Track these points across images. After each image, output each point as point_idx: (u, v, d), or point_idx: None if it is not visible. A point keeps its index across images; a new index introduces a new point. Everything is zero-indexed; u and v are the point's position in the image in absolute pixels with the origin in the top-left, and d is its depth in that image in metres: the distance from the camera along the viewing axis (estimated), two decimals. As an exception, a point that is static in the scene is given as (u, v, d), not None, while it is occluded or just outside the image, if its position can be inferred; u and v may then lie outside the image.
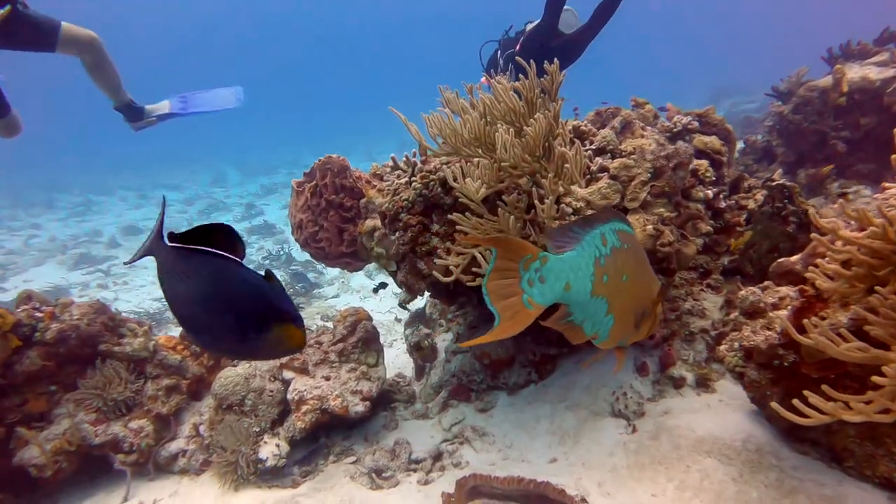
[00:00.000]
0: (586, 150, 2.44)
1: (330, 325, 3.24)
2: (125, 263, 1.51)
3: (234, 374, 2.68)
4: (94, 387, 2.65)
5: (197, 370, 2.96)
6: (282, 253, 8.71)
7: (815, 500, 1.79)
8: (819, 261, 1.29)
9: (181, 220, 12.54)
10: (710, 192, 2.47)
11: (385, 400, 3.21)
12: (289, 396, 2.69)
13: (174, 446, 2.69)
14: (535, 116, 1.74)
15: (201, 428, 2.71)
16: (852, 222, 1.58)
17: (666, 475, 2.08)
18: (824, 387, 1.27)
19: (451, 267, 2.03)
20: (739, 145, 5.77)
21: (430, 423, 2.97)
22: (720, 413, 2.30)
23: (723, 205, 2.55)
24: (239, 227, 11.37)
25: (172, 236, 1.29)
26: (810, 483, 1.86)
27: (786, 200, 2.71)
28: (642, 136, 2.44)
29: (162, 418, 2.71)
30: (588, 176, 2.35)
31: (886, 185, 1.37)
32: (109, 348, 2.73)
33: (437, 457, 2.60)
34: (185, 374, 2.90)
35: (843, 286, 1.30)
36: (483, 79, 2.73)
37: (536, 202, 1.86)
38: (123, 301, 7.32)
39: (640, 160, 2.22)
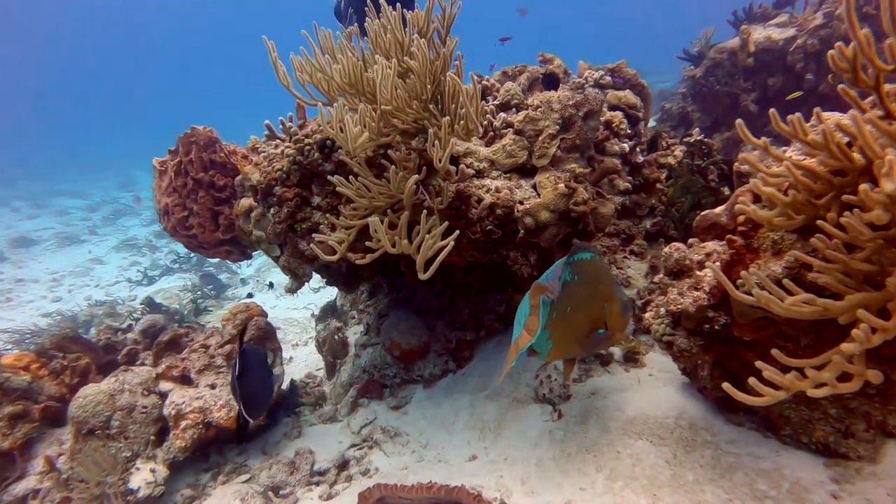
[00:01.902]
0: (489, 105, 2.16)
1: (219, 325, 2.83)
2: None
3: (96, 391, 2.24)
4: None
5: (56, 390, 2.49)
6: (192, 255, 8.08)
7: (753, 476, 1.60)
8: (754, 182, 1.05)
9: (83, 228, 11.52)
10: (625, 146, 2.24)
11: (289, 404, 2.85)
12: (165, 412, 2.28)
13: (21, 487, 2.23)
14: (419, 44, 1.42)
15: (59, 460, 2.26)
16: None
17: (595, 464, 1.84)
18: (775, 352, 1.02)
19: (333, 243, 1.69)
20: (655, 115, 5.70)
21: (338, 426, 2.63)
22: (650, 389, 2.08)
23: (640, 159, 2.34)
24: (148, 231, 10.57)
25: None
26: (747, 457, 1.67)
27: (705, 157, 2.54)
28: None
29: (3, 454, 2.23)
30: (492, 133, 2.06)
31: (820, 112, 1.14)
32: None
33: (343, 465, 2.27)
34: (38, 397, 2.42)
35: (780, 218, 1.07)
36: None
37: (431, 149, 1.54)
38: (4, 320, 6.50)
39: (548, 111, 1.95)
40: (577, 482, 1.80)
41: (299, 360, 4.10)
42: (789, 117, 0.99)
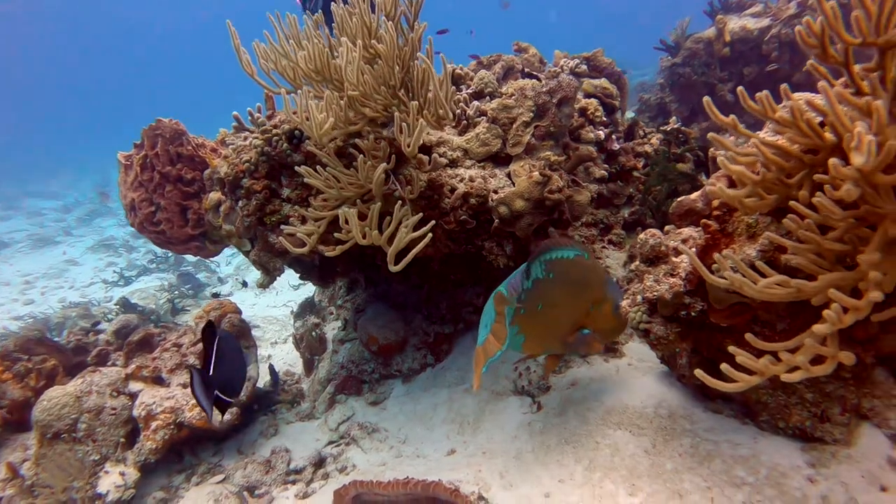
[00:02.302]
0: (462, 94, 2.12)
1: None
2: None
3: (61, 393, 2.17)
4: None
5: (20, 394, 2.41)
6: (169, 254, 7.95)
7: (731, 463, 1.59)
8: (721, 159, 1.02)
9: (57, 229, 11.29)
10: (601, 133, 2.22)
11: (266, 403, 2.80)
12: (135, 413, 2.22)
13: (-17, 494, 2.16)
14: (387, 27, 1.38)
15: (24, 466, 2.18)
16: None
17: (574, 455, 1.82)
18: (749, 337, 1.00)
19: (301, 235, 1.65)
20: (634, 106, 5.71)
21: (316, 423, 2.59)
22: (629, 378, 2.06)
23: (616, 146, 2.31)
24: (125, 231, 10.37)
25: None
26: (725, 444, 1.66)
27: (682, 145, 2.52)
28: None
29: (-36, 460, 2.16)
30: (465, 122, 2.03)
31: (787, 89, 1.12)
32: None
33: (319, 463, 2.23)
34: (0, 400, 2.34)
35: (751, 198, 1.04)
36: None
37: (399, 135, 1.49)
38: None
39: (521, 99, 1.92)
40: (556, 474, 1.78)
41: (278, 358, 4.04)
42: (758, 95, 0.97)
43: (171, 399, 2.23)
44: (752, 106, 0.98)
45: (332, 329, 3.27)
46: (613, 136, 2.33)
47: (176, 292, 5.97)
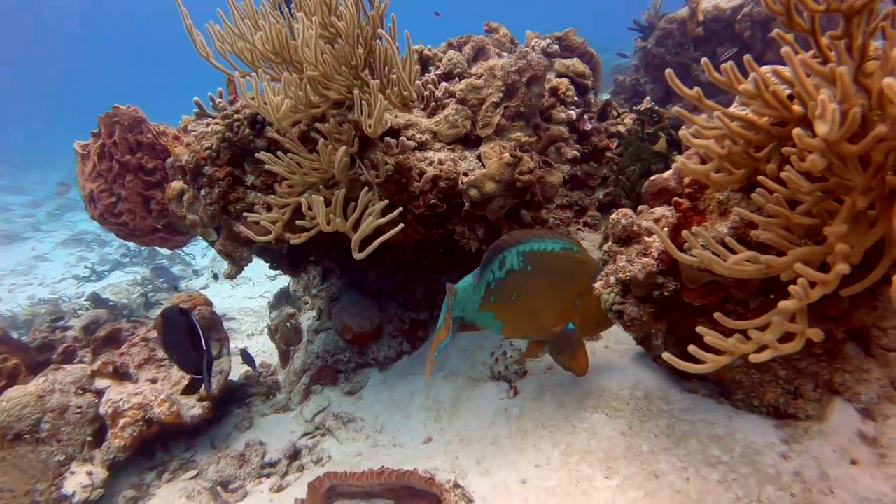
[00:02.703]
0: (431, 76, 2.07)
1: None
2: None
3: (21, 393, 2.10)
4: None
5: (-19, 394, 2.32)
6: (143, 248, 7.79)
7: (706, 442, 1.59)
8: (683, 133, 0.99)
9: (25, 225, 11.00)
10: (572, 113, 2.18)
11: (240, 396, 2.74)
12: (101, 410, 2.16)
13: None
14: (347, 3, 1.32)
15: (-14, 468, 2.11)
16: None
17: (551, 440, 1.80)
18: (717, 315, 0.98)
19: (265, 223, 1.59)
20: (608, 87, 5.69)
21: (291, 415, 2.55)
22: (606, 361, 2.05)
23: (589, 126, 2.28)
24: (97, 226, 10.13)
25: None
26: (701, 424, 1.65)
27: (656, 125, 2.50)
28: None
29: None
30: (434, 104, 1.98)
31: (751, 60, 1.08)
32: None
33: (295, 455, 2.19)
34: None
35: (719, 173, 1.02)
36: None
37: (359, 115, 1.44)
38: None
39: (490, 79, 1.87)
40: (533, 459, 1.76)
41: (254, 350, 3.96)
42: (722, 66, 0.94)
43: (140, 395, 2.17)
44: (716, 77, 0.95)
45: (307, 319, 3.22)
46: (586, 117, 2.30)
47: (150, 286, 5.85)
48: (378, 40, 1.43)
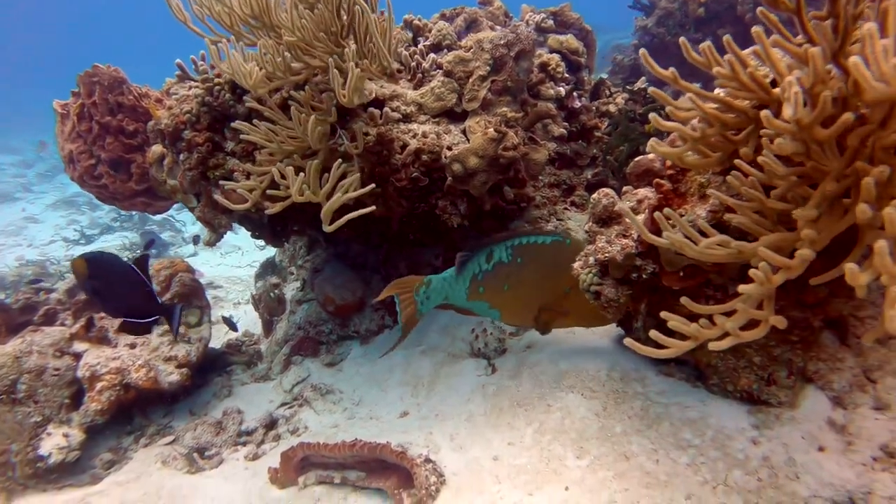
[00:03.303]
0: (419, 46, 2.02)
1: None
2: None
3: (-1, 353, 2.09)
4: None
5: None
6: (134, 213, 7.73)
7: (679, 425, 1.59)
8: (653, 116, 0.97)
9: (16, 185, 10.88)
10: (561, 90, 2.15)
11: (221, 364, 2.74)
12: (79, 374, 2.15)
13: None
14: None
15: (-39, 428, 2.11)
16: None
17: (525, 418, 1.80)
18: (684, 300, 0.97)
19: (242, 191, 1.56)
20: (607, 67, 5.61)
21: (271, 385, 2.55)
22: (585, 341, 2.05)
23: (578, 104, 2.25)
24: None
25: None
26: (675, 407, 1.66)
27: (648, 104, 2.46)
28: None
29: None
30: (420, 76, 1.94)
31: (730, 41, 1.05)
32: None
33: (271, 425, 2.20)
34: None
35: (693, 156, 1.00)
36: None
37: (333, 82, 1.40)
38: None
39: (478, 52, 1.83)
40: (507, 437, 1.77)
41: (240, 319, 3.97)
42: (701, 45, 0.91)
43: (117, 360, 2.16)
44: (694, 58, 0.93)
45: (291, 289, 3.21)
46: (575, 94, 2.26)
47: (138, 251, 5.82)
48: (357, 7, 1.38)
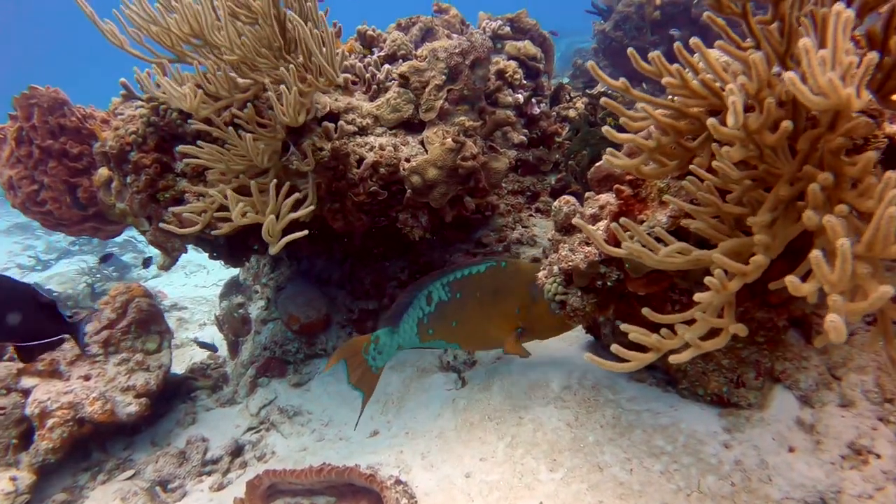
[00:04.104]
0: (374, 57, 1.98)
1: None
2: None
3: (-60, 394, 1.97)
4: None
5: None
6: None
7: (651, 433, 1.58)
8: (606, 129, 0.94)
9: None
10: (519, 97, 2.13)
11: (185, 389, 2.65)
12: (27, 411, 2.04)
13: None
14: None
15: None
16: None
17: (497, 432, 1.77)
18: (645, 310, 0.94)
19: (188, 215, 1.50)
20: (568, 71, 5.65)
21: (237, 409, 2.47)
22: (555, 350, 2.03)
23: (537, 110, 2.23)
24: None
25: None
26: (646, 414, 1.64)
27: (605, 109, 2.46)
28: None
29: None
30: (375, 87, 1.90)
31: (681, 48, 1.04)
32: None
33: (237, 451, 2.12)
34: None
35: (650, 166, 0.98)
36: None
37: (275, 102, 1.35)
38: None
39: (434, 61, 1.80)
40: (478, 452, 1.73)
41: (205, 341, 3.86)
42: (650, 55, 0.90)
43: (70, 394, 2.06)
44: (644, 67, 0.91)
45: (256, 308, 3.13)
46: (534, 100, 2.25)
47: (98, 276, 5.63)
48: (291, 22, 1.34)
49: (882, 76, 0.78)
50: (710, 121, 0.70)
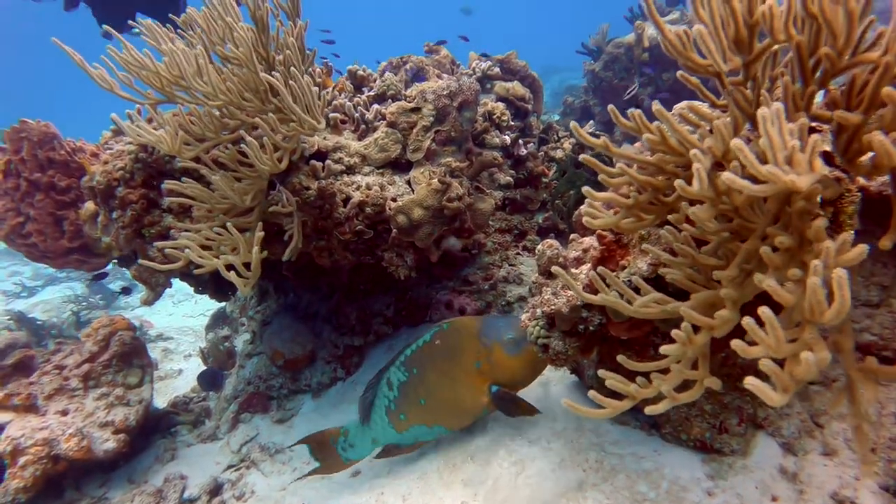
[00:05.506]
0: (362, 97, 2.01)
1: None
2: None
3: (-88, 428, 1.93)
4: None
5: None
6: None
7: (634, 478, 1.56)
8: (586, 189, 0.96)
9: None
10: (506, 138, 2.16)
11: (165, 424, 2.60)
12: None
13: None
14: (240, 32, 1.25)
15: None
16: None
17: (480, 474, 1.74)
18: (620, 357, 0.95)
19: (171, 251, 1.50)
20: (558, 109, 5.75)
21: (218, 445, 2.42)
22: (541, 391, 2.01)
23: (524, 151, 2.26)
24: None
25: None
26: (630, 458, 1.63)
27: (591, 150, 2.49)
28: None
29: None
30: (364, 126, 1.92)
31: (660, 108, 1.06)
32: None
33: (216, 491, 2.08)
34: None
35: (628, 220, 0.99)
36: None
37: (255, 151, 1.37)
38: None
39: (422, 102, 1.83)
40: (460, 495, 1.70)
41: (191, 373, 3.80)
42: (629, 111, 0.92)
43: (45, 430, 2.02)
44: (623, 123, 0.93)
45: (242, 342, 3.10)
46: (521, 141, 2.28)
47: (84, 303, 5.58)
48: (272, 72, 1.36)
49: (846, 139, 0.80)
50: (678, 182, 0.72)
